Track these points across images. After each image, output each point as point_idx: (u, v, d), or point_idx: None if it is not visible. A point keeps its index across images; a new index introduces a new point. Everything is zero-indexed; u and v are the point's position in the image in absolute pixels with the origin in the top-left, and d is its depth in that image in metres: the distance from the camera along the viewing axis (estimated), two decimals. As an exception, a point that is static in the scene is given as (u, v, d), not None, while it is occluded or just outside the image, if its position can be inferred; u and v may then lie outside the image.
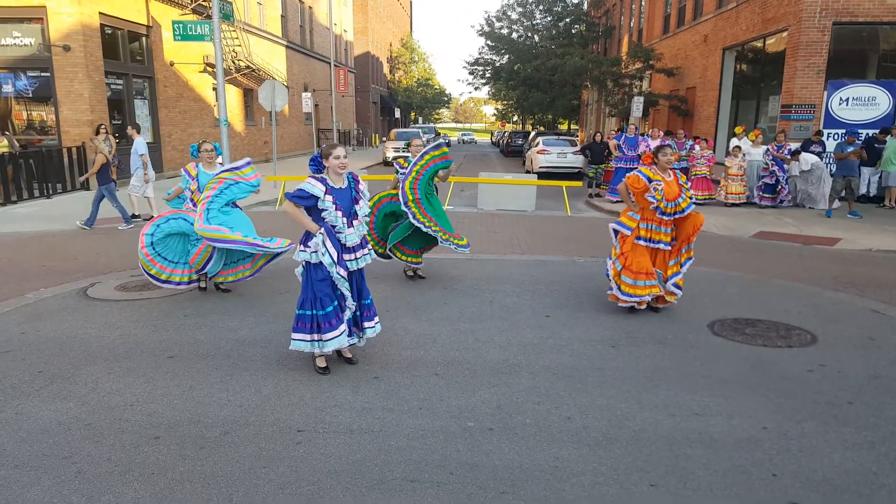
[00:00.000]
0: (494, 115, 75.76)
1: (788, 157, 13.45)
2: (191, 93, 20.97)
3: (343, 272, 4.37)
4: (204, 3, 19.97)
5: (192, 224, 6.14)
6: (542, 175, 18.97)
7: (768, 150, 13.65)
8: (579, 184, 16.69)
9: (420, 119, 74.37)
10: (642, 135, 16.07)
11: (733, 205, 13.95)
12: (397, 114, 61.83)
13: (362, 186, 4.59)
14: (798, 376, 4.62)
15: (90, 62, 15.61)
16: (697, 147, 14.88)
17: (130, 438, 3.64)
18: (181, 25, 18.15)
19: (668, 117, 23.81)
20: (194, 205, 6.37)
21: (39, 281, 7.26)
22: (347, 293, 4.45)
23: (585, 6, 35.91)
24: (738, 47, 18.60)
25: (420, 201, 6.68)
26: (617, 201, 14.27)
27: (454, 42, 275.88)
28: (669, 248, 5.98)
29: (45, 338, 5.31)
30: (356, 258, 4.51)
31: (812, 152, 13.97)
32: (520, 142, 36.29)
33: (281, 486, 3.19)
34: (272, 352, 4.98)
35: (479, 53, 36.90)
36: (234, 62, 22.46)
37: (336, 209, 4.35)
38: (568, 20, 34.41)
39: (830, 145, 14.11)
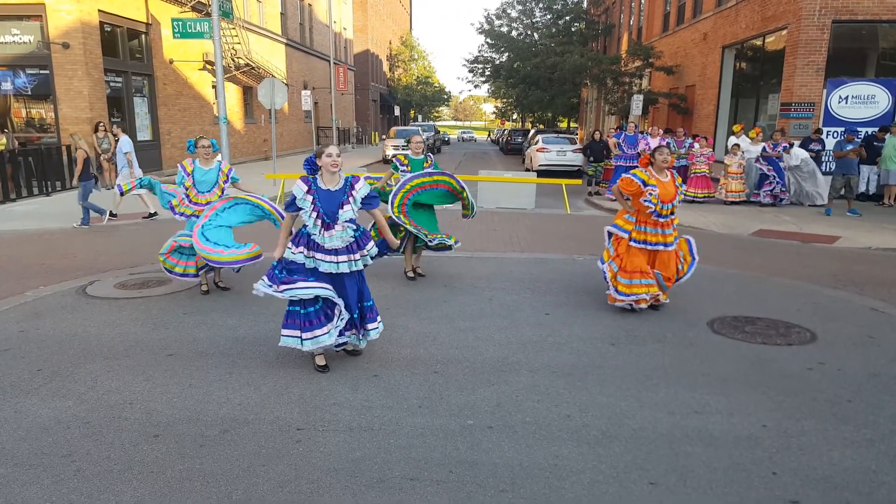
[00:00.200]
0: (494, 113, 75.74)
1: (782, 153, 13.46)
2: (190, 90, 20.95)
3: (314, 285, 4.32)
4: (203, 1, 19.96)
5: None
6: (542, 173, 18.97)
7: (764, 148, 13.65)
8: (579, 182, 16.72)
9: (420, 117, 74.29)
10: (642, 133, 16.06)
11: (733, 203, 13.95)
12: (397, 112, 61.78)
13: (357, 192, 4.45)
14: (797, 374, 4.63)
15: (89, 60, 15.58)
16: (697, 145, 14.86)
17: (130, 437, 3.64)
18: (180, 23, 18.13)
19: (667, 115, 23.81)
20: (189, 200, 6.40)
21: (39, 279, 7.26)
22: (327, 294, 4.36)
23: (585, 4, 35.93)
24: (738, 45, 18.59)
25: (408, 214, 6.78)
26: (616, 199, 14.26)
27: (454, 40, 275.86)
28: (670, 248, 5.96)
29: (45, 336, 5.30)
30: (336, 261, 4.39)
31: (811, 150, 13.98)
32: (519, 140, 36.28)
33: (280, 485, 3.19)
34: (271, 350, 4.98)
35: (479, 51, 36.98)
36: (233, 60, 22.44)
37: (314, 210, 4.35)
38: (567, 18, 34.42)
39: (830, 143, 14.11)
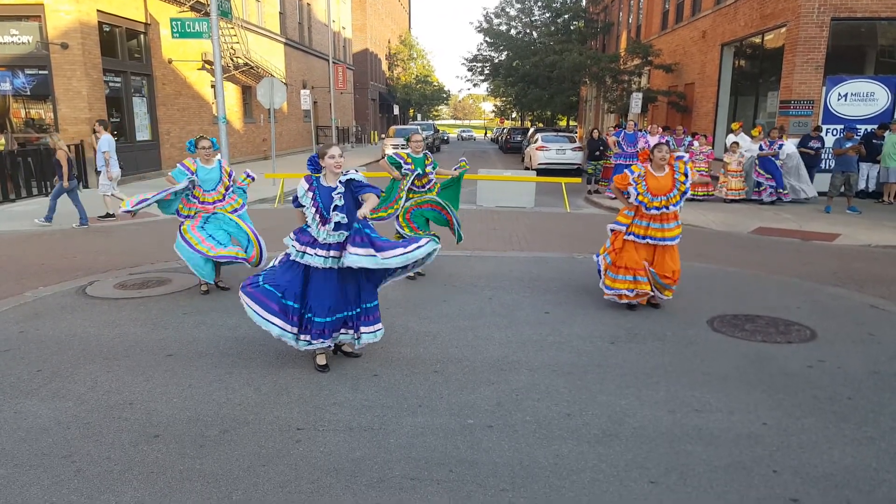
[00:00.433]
0: (493, 111, 75.74)
1: (778, 151, 13.46)
2: (189, 90, 20.93)
3: (271, 321, 4.42)
4: (202, 1, 19.93)
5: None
6: (541, 172, 18.98)
7: (761, 146, 13.65)
8: (578, 180, 16.70)
9: (419, 116, 74.27)
10: (641, 131, 16.06)
11: (732, 201, 13.95)
12: (396, 111, 61.75)
13: (343, 177, 4.46)
14: (798, 372, 4.62)
15: (88, 60, 15.56)
16: (696, 143, 14.87)
17: (129, 437, 3.63)
18: (179, 23, 18.11)
19: (666, 113, 23.80)
20: (199, 202, 6.46)
21: (38, 279, 7.25)
22: (279, 332, 4.44)
23: (584, 2, 35.87)
24: (737, 43, 18.58)
25: (412, 221, 7.05)
26: (615, 198, 14.26)
27: (453, 39, 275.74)
28: (666, 242, 5.96)
29: (44, 336, 5.30)
30: (328, 255, 4.39)
31: (811, 148, 13.98)
32: (519, 138, 36.27)
33: (280, 485, 3.19)
34: (271, 350, 4.97)
35: (478, 50, 36.94)
36: (232, 59, 22.41)
37: (313, 205, 4.40)
38: (566, 16, 34.42)
39: (829, 141, 14.11)
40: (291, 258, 4.50)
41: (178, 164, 6.47)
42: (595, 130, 17.30)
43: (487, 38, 34.29)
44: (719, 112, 19.44)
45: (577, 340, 5.26)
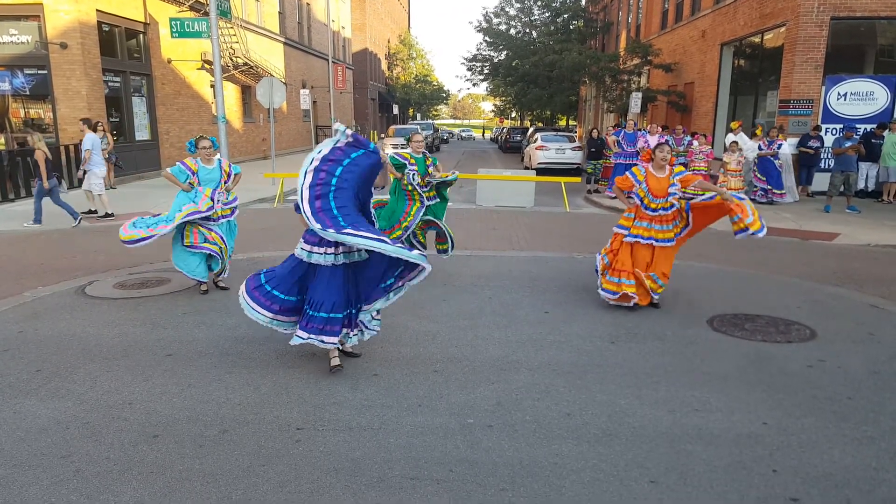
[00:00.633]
0: (493, 111, 75.73)
1: (777, 151, 13.46)
2: (188, 90, 20.92)
3: (268, 317, 4.53)
4: (201, 0, 19.91)
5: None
6: (541, 171, 18.96)
7: (760, 146, 13.64)
8: (578, 180, 16.70)
9: (418, 116, 74.24)
10: (640, 130, 16.06)
11: (732, 200, 13.91)
12: (395, 110, 61.73)
13: None
14: (798, 372, 4.62)
15: (87, 59, 15.55)
16: (696, 143, 14.86)
17: (129, 437, 3.63)
18: (178, 22, 18.09)
19: (666, 113, 23.79)
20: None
21: (37, 279, 7.24)
22: (277, 325, 4.57)
23: (583, 2, 35.86)
24: (736, 43, 18.57)
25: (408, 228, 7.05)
26: (615, 197, 14.26)
27: (452, 38, 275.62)
28: (665, 244, 5.96)
29: (43, 336, 5.29)
30: (338, 252, 4.41)
31: (810, 147, 13.98)
32: (518, 138, 36.25)
33: (280, 485, 3.18)
34: (270, 350, 4.97)
35: (478, 49, 36.87)
36: (231, 59, 22.40)
37: None
38: (566, 16, 34.38)
39: (828, 140, 14.11)
40: (297, 256, 4.52)
41: (177, 163, 6.45)
42: (594, 130, 17.30)
43: (487, 38, 34.25)
44: (719, 111, 19.42)
45: (576, 340, 5.26)
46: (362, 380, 4.44)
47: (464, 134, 75.94)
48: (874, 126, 13.82)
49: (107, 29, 16.74)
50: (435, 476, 3.26)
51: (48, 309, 6.05)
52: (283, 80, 26.65)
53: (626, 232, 6.05)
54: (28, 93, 15.93)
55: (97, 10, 15.93)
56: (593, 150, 16.24)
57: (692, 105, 21.64)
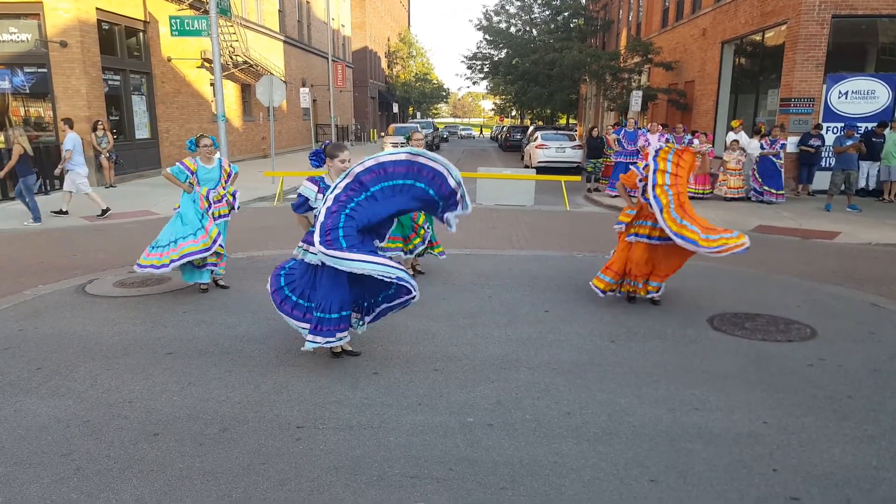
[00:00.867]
0: (493, 109, 75.66)
1: (780, 150, 13.45)
2: (188, 88, 20.90)
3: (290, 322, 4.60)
4: (201, -1, 19.90)
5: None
6: (541, 170, 18.94)
7: (762, 145, 13.63)
8: (578, 178, 16.68)
9: (418, 114, 74.21)
10: (641, 129, 16.06)
11: (732, 199, 13.94)
12: (395, 109, 61.72)
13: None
14: (798, 371, 4.62)
15: (87, 58, 15.53)
16: (696, 141, 14.84)
17: (129, 435, 3.63)
18: (178, 21, 18.06)
19: (666, 111, 23.77)
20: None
21: (37, 277, 7.24)
22: (296, 325, 4.62)
23: (584, 0, 35.82)
24: (737, 41, 18.55)
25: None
26: (616, 196, 14.27)
27: (452, 37, 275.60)
28: (668, 241, 5.95)
29: (44, 335, 5.29)
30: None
31: (811, 146, 13.96)
32: (518, 136, 36.21)
33: (280, 483, 3.18)
34: (271, 348, 4.97)
35: (478, 48, 36.85)
36: (231, 57, 22.38)
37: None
38: (566, 14, 34.35)
39: (829, 139, 14.10)
40: (298, 257, 4.58)
41: (177, 163, 6.45)
42: (594, 129, 17.28)
43: (487, 36, 34.21)
44: (719, 110, 19.41)
45: (576, 339, 5.26)
46: (362, 378, 4.44)
47: (463, 132, 75.84)
48: (875, 124, 13.81)
49: (106, 27, 16.72)
50: (435, 475, 3.26)
51: (48, 307, 6.05)
52: (282, 79, 26.63)
53: (624, 227, 6.10)
54: (28, 91, 15.92)
55: (97, 9, 15.91)
56: (598, 149, 16.23)
57: (693, 103, 21.62)
